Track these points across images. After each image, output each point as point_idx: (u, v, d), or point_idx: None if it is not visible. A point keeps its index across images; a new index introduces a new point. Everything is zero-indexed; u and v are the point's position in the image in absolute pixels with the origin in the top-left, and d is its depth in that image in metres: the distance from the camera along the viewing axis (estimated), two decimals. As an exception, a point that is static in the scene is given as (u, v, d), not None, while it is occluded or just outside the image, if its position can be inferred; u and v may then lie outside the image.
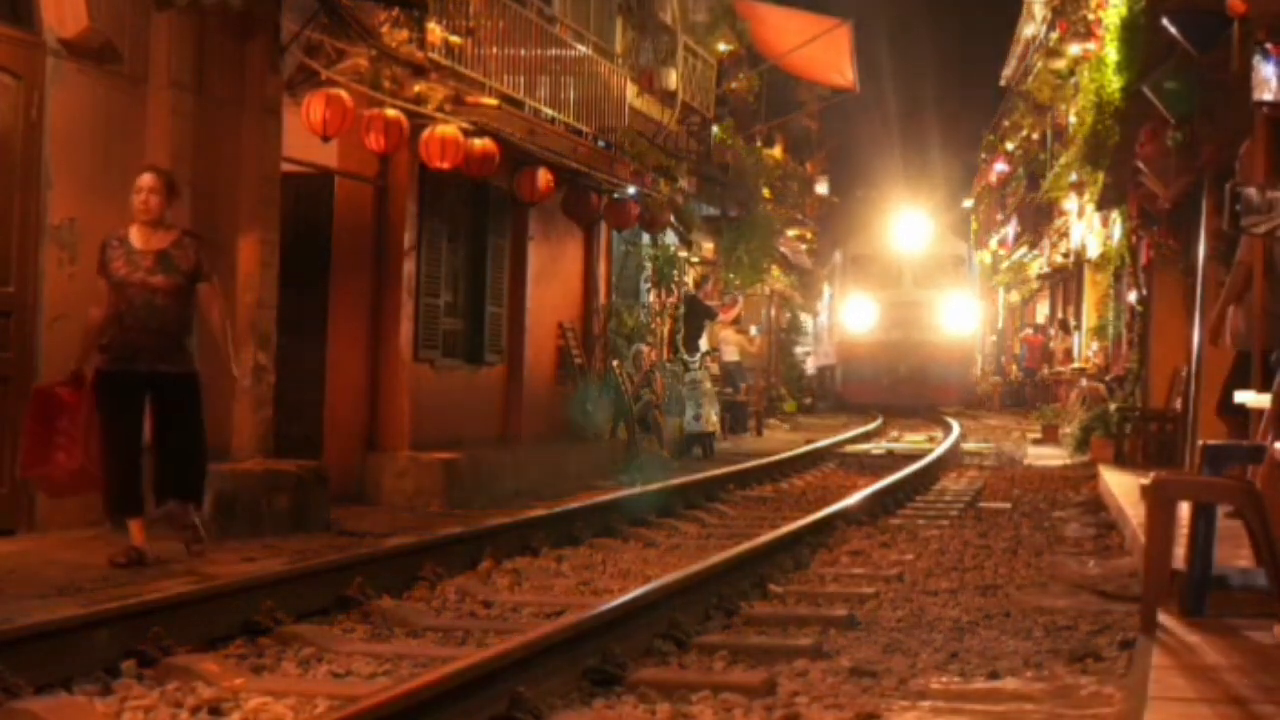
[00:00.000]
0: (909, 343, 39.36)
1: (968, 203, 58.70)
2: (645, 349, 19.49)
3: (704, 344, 23.44)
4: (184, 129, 10.72)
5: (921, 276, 40.78)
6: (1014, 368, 44.21)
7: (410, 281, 13.92)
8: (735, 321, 30.89)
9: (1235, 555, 7.06)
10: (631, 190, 18.81)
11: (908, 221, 42.35)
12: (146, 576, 8.01)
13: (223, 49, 11.00)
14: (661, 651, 6.39)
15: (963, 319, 41.45)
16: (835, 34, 26.40)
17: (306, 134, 11.88)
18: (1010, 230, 43.60)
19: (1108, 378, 22.12)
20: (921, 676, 5.94)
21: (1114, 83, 14.18)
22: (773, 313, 39.13)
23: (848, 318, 41.59)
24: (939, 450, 20.51)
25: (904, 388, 39.06)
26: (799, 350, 42.18)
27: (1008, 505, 13.70)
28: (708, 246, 26.73)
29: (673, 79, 21.24)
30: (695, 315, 23.65)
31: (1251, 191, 7.97)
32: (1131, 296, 19.92)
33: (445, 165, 13.32)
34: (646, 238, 21.15)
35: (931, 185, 52.94)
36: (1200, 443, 6.84)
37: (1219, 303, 9.70)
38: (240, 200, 11.13)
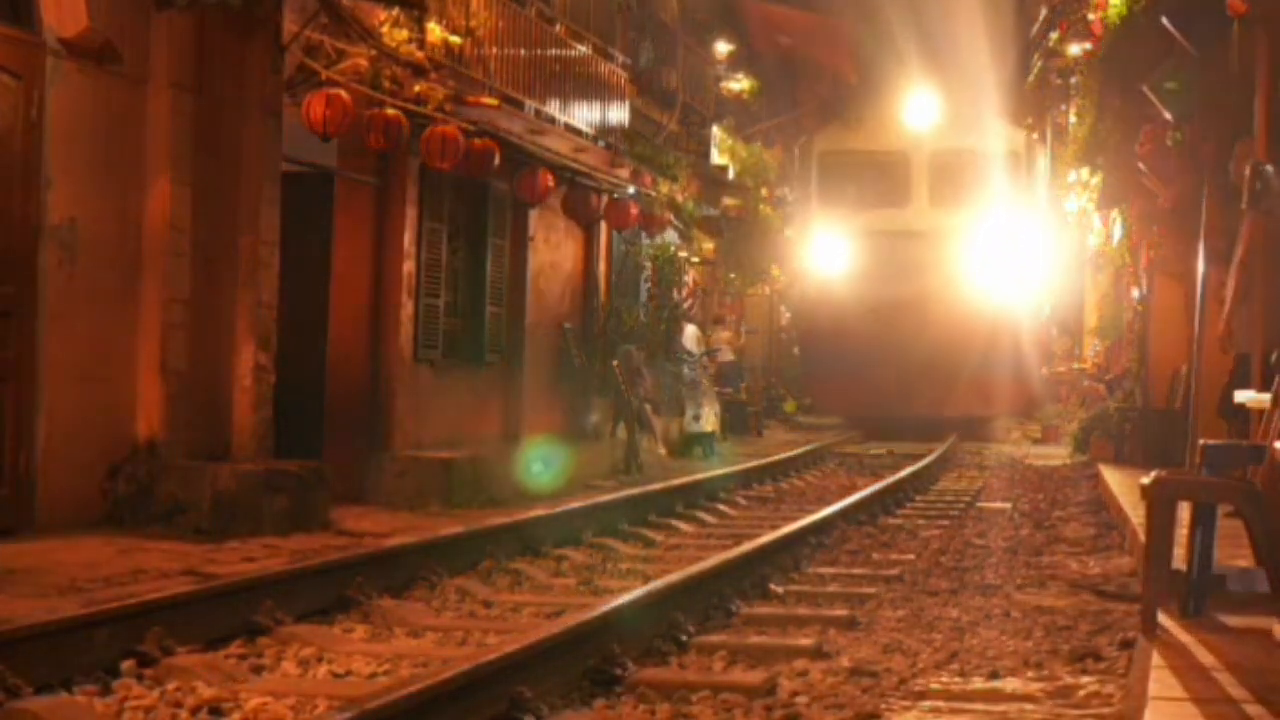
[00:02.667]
0: (923, 309, 23.43)
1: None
2: (633, 349, 19.36)
3: (692, 344, 23.21)
4: (184, 129, 10.72)
5: (946, 189, 24.56)
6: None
7: (410, 281, 13.93)
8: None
9: (1235, 555, 7.06)
10: (631, 190, 18.81)
11: (920, 94, 25.26)
12: (146, 576, 8.00)
13: (223, 49, 11.00)
14: (661, 651, 6.39)
15: (1022, 268, 24.70)
16: (835, 33, 26.41)
17: (306, 134, 11.88)
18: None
19: (1108, 378, 22.12)
20: (921, 676, 5.94)
21: (1114, 81, 14.18)
22: (773, 312, 38.52)
23: (813, 264, 25.41)
24: (939, 450, 20.51)
25: (914, 391, 23.71)
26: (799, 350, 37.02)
27: (1008, 505, 13.70)
28: (708, 246, 26.71)
29: (673, 79, 21.24)
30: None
31: (1272, 170, 7.98)
32: (1134, 294, 19.90)
33: (445, 165, 13.33)
34: (646, 238, 21.14)
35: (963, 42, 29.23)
36: (1200, 443, 6.84)
37: (1227, 308, 9.68)
38: (240, 200, 11.12)
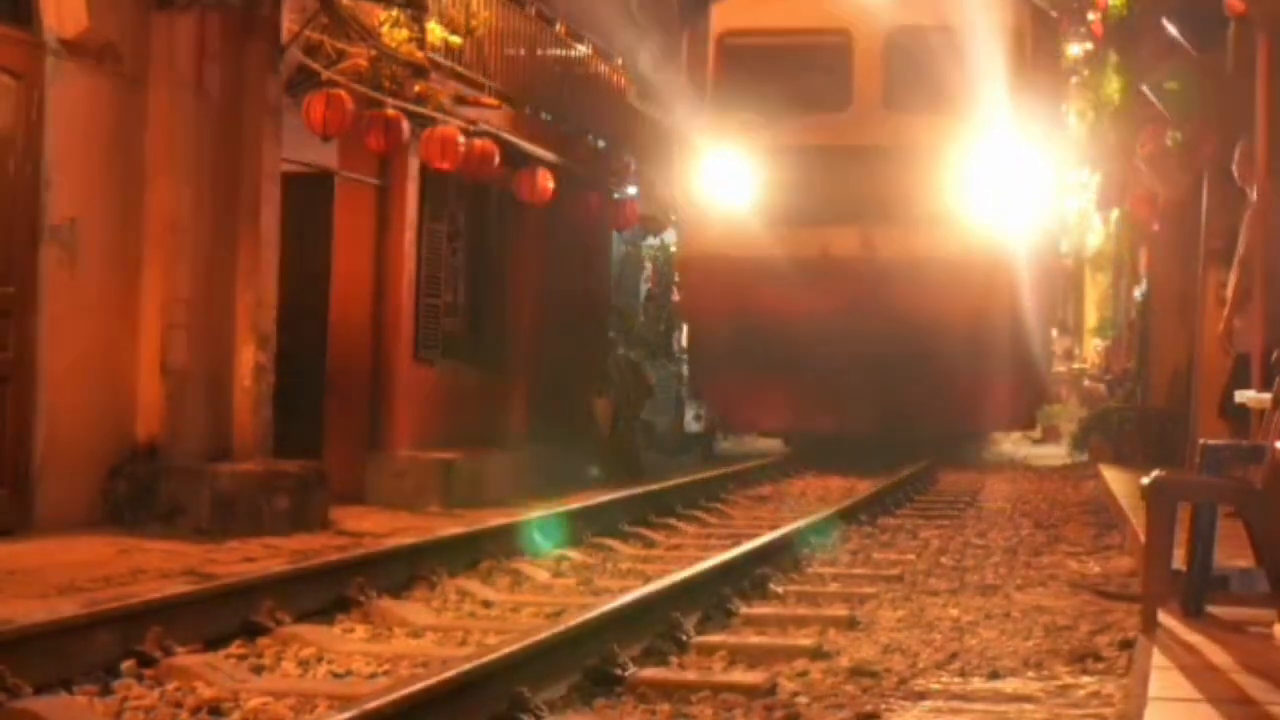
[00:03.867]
0: (874, 265, 16.10)
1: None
2: (619, 336, 19.24)
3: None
4: (184, 129, 10.72)
5: (908, 84, 16.70)
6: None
7: (410, 281, 13.94)
8: None
9: (1235, 555, 7.06)
10: (631, 190, 18.81)
11: None
12: (146, 576, 8.01)
13: (223, 49, 11.00)
14: (661, 651, 6.39)
15: (1026, 202, 16.67)
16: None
17: (306, 134, 11.89)
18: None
19: (1108, 378, 22.13)
20: (921, 676, 5.94)
21: (1114, 82, 14.19)
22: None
23: (706, 201, 17.00)
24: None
25: (862, 395, 16.19)
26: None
27: (1008, 505, 13.69)
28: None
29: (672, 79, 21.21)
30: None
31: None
32: (1137, 293, 19.92)
33: (445, 165, 13.35)
34: (647, 238, 21.14)
35: None
36: (1200, 443, 6.83)
37: (1228, 309, 9.68)
38: (240, 200, 11.13)
